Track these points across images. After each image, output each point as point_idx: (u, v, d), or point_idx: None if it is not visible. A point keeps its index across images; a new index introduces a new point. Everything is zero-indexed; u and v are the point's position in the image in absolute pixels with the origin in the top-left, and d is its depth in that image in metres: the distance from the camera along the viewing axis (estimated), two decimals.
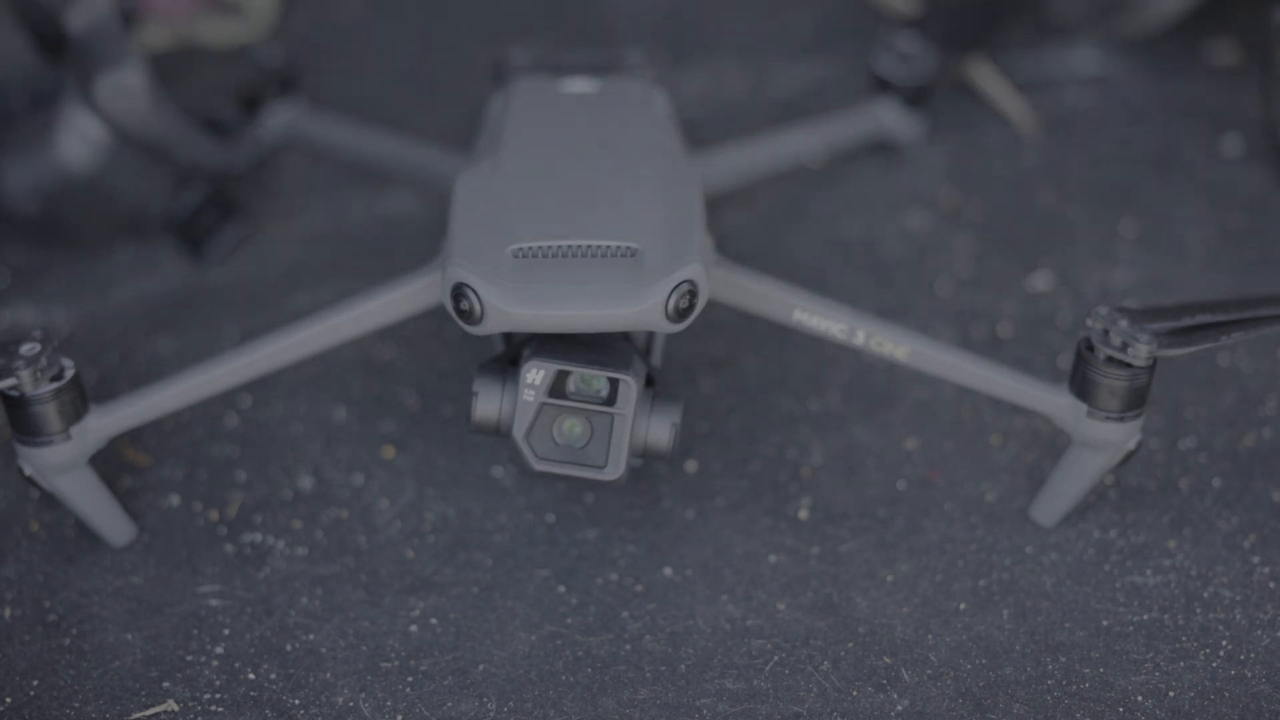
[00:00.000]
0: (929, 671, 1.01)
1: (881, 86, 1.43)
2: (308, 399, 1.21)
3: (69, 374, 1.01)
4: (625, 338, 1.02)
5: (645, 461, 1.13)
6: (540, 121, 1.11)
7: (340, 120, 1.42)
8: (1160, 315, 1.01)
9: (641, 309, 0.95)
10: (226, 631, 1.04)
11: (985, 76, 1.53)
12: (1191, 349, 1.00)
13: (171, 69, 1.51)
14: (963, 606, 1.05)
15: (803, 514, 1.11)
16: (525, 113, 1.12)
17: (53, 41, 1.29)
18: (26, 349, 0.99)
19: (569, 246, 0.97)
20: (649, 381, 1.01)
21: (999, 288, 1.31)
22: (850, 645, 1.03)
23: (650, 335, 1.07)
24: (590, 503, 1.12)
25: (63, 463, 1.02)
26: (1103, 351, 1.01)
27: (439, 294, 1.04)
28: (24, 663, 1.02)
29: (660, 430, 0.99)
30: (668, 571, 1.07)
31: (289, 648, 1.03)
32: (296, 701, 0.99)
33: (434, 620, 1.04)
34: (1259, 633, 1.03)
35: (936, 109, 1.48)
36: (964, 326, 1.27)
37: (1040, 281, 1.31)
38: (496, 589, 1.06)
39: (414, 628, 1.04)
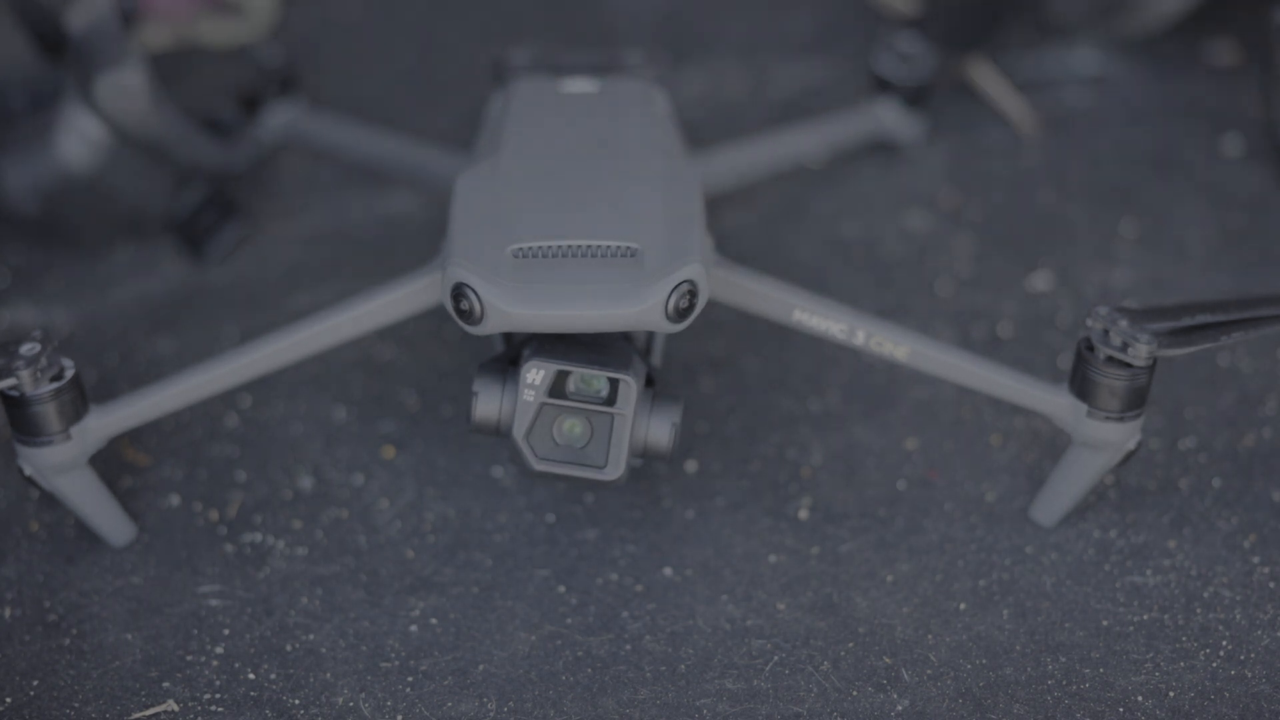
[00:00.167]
0: (929, 671, 1.01)
1: (881, 86, 1.42)
2: (308, 399, 1.21)
3: (69, 374, 1.01)
4: (625, 338, 1.02)
5: (645, 461, 1.13)
6: (540, 121, 1.11)
7: (340, 120, 1.42)
8: (1160, 315, 1.01)
9: (641, 309, 0.95)
10: (226, 631, 1.04)
11: (985, 76, 1.53)
12: (1191, 349, 1.00)
13: (171, 69, 1.51)
14: (963, 606, 1.05)
15: (803, 514, 1.11)
16: (525, 113, 1.12)
17: (53, 41, 1.29)
18: (26, 349, 0.99)
19: (569, 246, 0.97)
20: (649, 381, 1.01)
21: (999, 288, 1.31)
22: (850, 645, 1.03)
23: (650, 335, 1.07)
24: (590, 503, 1.12)
25: (63, 463, 1.02)
26: (1103, 351, 1.01)
27: (439, 294, 1.04)
28: (24, 663, 1.02)
29: (660, 430, 0.99)
30: (668, 571, 1.07)
31: (289, 648, 1.03)
32: (296, 701, 0.99)
33: (434, 620, 1.04)
34: (1259, 633, 1.03)
35: (936, 109, 1.48)
36: (964, 326, 1.27)
37: (1040, 281, 1.31)
38: (496, 589, 1.06)
39: (414, 628, 1.04)
